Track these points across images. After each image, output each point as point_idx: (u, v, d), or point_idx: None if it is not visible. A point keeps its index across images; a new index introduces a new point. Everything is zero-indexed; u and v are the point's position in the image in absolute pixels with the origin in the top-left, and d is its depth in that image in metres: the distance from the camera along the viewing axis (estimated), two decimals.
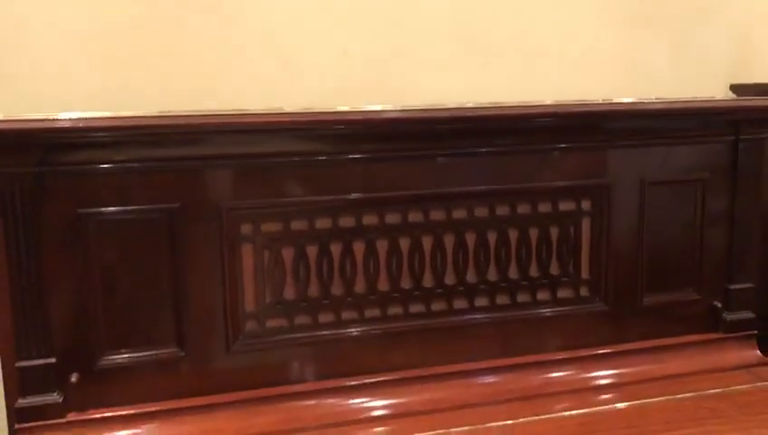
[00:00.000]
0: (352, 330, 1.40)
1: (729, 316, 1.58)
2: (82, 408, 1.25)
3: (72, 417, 1.24)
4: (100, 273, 1.24)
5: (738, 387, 1.46)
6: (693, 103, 1.51)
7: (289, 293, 1.36)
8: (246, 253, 1.32)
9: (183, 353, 1.30)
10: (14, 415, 1.22)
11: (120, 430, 1.25)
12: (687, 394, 1.43)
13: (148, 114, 1.26)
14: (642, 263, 1.53)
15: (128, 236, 1.25)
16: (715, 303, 1.59)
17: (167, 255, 1.27)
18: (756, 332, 1.60)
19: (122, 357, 1.27)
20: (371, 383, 1.38)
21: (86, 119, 1.20)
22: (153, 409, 1.27)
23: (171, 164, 1.26)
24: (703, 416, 1.34)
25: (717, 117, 1.53)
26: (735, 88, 1.92)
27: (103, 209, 1.23)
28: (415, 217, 1.40)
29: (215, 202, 1.28)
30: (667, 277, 1.56)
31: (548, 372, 1.47)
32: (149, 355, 1.29)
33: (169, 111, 1.31)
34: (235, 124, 1.28)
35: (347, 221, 1.37)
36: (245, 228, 1.31)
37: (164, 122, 1.25)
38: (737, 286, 1.59)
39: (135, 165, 1.24)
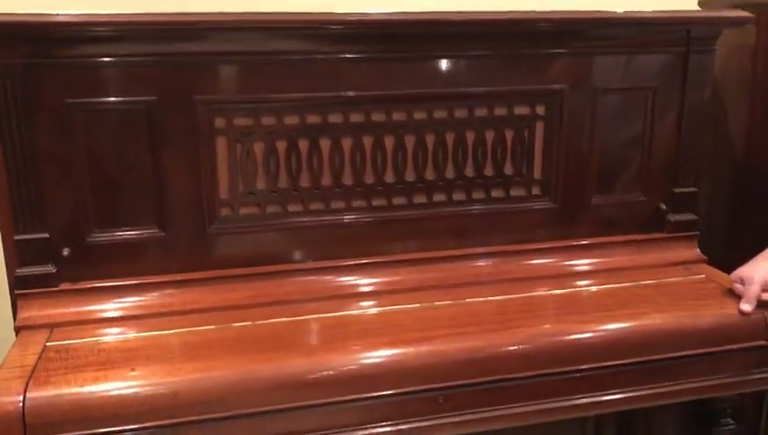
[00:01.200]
0: (319, 219, 1.53)
1: (673, 217, 1.70)
2: (74, 279, 1.41)
3: (64, 286, 1.40)
4: (87, 158, 1.37)
5: (671, 279, 1.60)
6: (645, 14, 1.59)
7: (260, 183, 1.49)
8: (221, 145, 1.45)
9: (164, 234, 1.45)
10: (14, 283, 1.38)
11: (107, 299, 1.41)
12: (623, 285, 1.57)
13: (135, 12, 1.35)
14: (592, 165, 1.65)
15: (111, 125, 1.38)
16: (661, 205, 1.71)
17: (147, 144, 1.40)
18: (698, 232, 1.72)
19: (109, 235, 1.43)
20: (336, 267, 1.53)
21: (76, 15, 1.30)
22: (137, 281, 1.43)
23: (151, 59, 1.37)
24: (632, 301, 1.48)
25: (669, 27, 1.61)
26: (703, 3, 1.98)
27: (88, 100, 1.35)
28: (378, 117, 1.52)
29: (189, 96, 1.40)
30: (616, 179, 1.68)
31: (498, 263, 1.61)
32: (134, 235, 1.44)
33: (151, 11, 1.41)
34: (219, 23, 1.36)
35: (314, 118, 1.48)
36: (219, 122, 1.43)
37: (151, 20, 1.34)
38: (682, 190, 1.70)
39: (118, 59, 1.35)
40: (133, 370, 1.22)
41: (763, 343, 1.44)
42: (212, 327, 1.37)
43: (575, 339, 1.37)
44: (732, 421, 1.59)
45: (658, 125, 1.66)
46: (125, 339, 1.33)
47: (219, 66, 1.42)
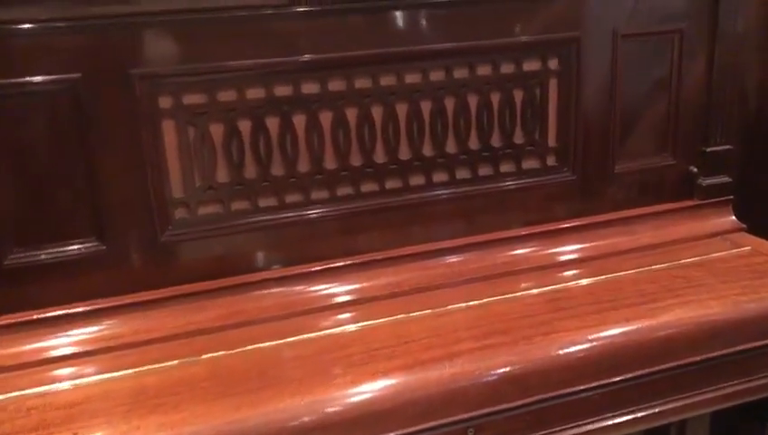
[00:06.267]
0: (297, 214, 1.25)
1: (705, 181, 1.48)
2: None
3: None
4: None
5: (714, 255, 1.38)
6: None
7: (222, 175, 1.20)
8: (168, 130, 1.15)
9: (104, 247, 1.15)
10: None
11: (37, 337, 1.11)
12: (662, 265, 1.34)
13: None
14: (614, 126, 1.41)
15: (26, 113, 1.07)
16: (691, 168, 1.48)
17: (75, 135, 1.10)
18: (732, 197, 1.50)
19: (33, 254, 1.12)
20: (321, 271, 1.27)
21: None
22: (75, 310, 1.14)
23: (68, 25, 1.06)
24: (679, 286, 1.25)
25: None
26: None
27: None
28: (362, 82, 1.24)
29: (123, 70, 1.09)
30: (641, 141, 1.44)
31: (514, 249, 1.36)
32: (66, 251, 1.14)
33: None
34: None
35: (284, 90, 1.19)
36: (164, 101, 1.13)
37: None
38: (714, 149, 1.48)
39: (26, 27, 1.04)
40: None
41: None
42: (175, 363, 1.09)
43: (626, 341, 1.13)
44: None
45: (687, 73, 1.42)
46: (62, 389, 1.04)
47: (159, 30, 1.11)
